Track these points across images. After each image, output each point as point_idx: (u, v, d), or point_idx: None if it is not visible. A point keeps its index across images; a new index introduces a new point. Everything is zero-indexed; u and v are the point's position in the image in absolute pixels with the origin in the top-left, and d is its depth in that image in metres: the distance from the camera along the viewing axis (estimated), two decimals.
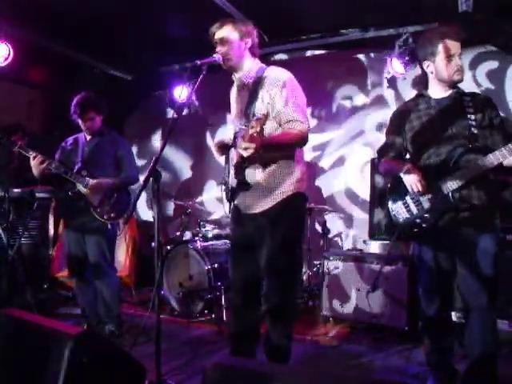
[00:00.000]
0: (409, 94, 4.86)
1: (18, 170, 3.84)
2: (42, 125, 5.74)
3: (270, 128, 2.35)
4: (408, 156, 2.59)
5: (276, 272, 2.39)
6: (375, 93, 5.05)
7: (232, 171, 2.48)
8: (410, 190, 2.40)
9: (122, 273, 5.04)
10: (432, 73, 2.42)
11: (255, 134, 2.00)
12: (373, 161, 4.12)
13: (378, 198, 3.96)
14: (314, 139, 5.18)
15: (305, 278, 4.61)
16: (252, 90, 2.46)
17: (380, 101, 5.02)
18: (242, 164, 2.36)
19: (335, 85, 5.23)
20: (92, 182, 3.36)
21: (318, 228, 4.89)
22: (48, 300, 4.56)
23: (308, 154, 5.27)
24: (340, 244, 5.06)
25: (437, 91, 2.45)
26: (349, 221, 5.06)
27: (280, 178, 2.41)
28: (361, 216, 4.93)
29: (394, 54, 4.44)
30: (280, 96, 2.35)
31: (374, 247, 4.09)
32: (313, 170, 5.31)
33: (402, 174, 2.42)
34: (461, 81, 2.40)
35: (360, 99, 5.11)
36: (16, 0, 3.76)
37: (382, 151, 2.66)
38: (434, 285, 2.46)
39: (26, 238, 4.23)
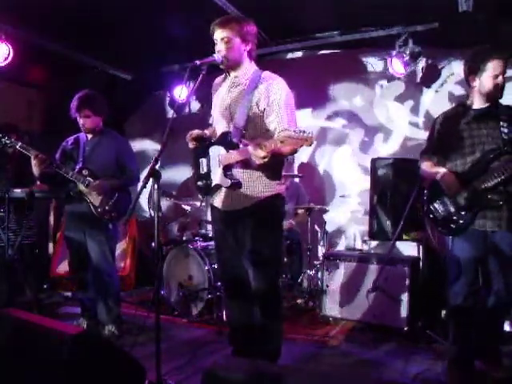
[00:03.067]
0: (409, 93, 4.87)
1: (18, 169, 3.84)
2: (42, 125, 5.74)
3: (259, 130, 2.49)
4: (447, 158, 2.79)
5: (262, 263, 2.54)
6: (375, 93, 5.05)
7: (219, 169, 2.52)
8: (446, 191, 2.68)
9: (122, 273, 5.04)
10: (475, 86, 2.66)
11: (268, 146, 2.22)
12: (373, 161, 4.12)
13: (378, 198, 3.96)
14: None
15: (305, 278, 4.60)
16: (247, 92, 2.51)
17: (380, 101, 5.02)
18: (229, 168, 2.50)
19: (335, 85, 5.23)
20: (93, 182, 3.36)
21: (318, 228, 4.89)
22: (48, 300, 4.56)
23: (308, 154, 5.28)
24: (340, 244, 5.06)
25: (477, 102, 2.70)
26: (349, 221, 5.06)
27: (261, 182, 2.53)
28: (361, 216, 4.93)
29: (394, 54, 4.44)
30: (275, 107, 2.45)
31: (374, 247, 4.09)
32: (313, 169, 5.31)
33: (438, 178, 2.71)
34: (500, 97, 2.65)
35: (360, 99, 5.11)
36: (16, 0, 3.76)
37: (423, 154, 2.92)
38: (468, 272, 2.68)
39: (25, 238, 4.22)
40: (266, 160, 2.29)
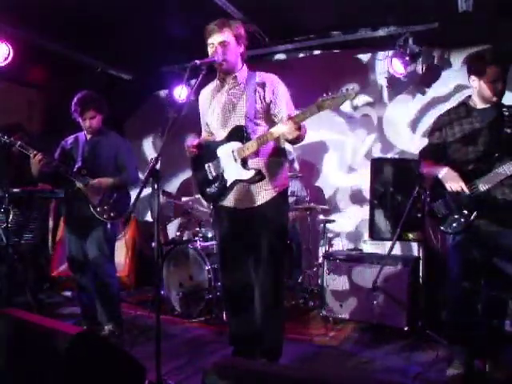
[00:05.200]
0: (408, 93, 4.88)
1: (18, 169, 3.84)
2: (42, 125, 5.74)
3: (268, 123, 2.57)
4: (448, 158, 2.78)
5: (272, 261, 2.55)
6: (375, 93, 5.05)
7: (236, 165, 2.51)
8: (448, 190, 2.66)
9: (122, 273, 5.04)
10: (476, 88, 2.67)
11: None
12: (373, 161, 4.12)
13: (379, 198, 3.96)
14: (313, 139, 5.18)
15: (305, 278, 4.61)
16: (250, 88, 2.55)
17: (380, 101, 5.02)
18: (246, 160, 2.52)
19: (335, 85, 5.21)
20: (92, 181, 3.36)
21: (318, 228, 4.89)
22: (48, 300, 4.57)
23: (308, 153, 5.28)
24: (340, 244, 5.06)
25: (478, 102, 2.71)
26: (349, 221, 5.06)
27: (274, 174, 2.57)
28: (361, 216, 4.93)
29: (394, 54, 4.44)
30: (280, 97, 2.54)
31: (374, 247, 4.09)
32: (313, 169, 5.31)
33: (440, 177, 2.69)
34: (499, 101, 2.65)
35: (360, 99, 5.11)
36: (16, 0, 3.76)
37: (424, 153, 2.94)
38: (469, 271, 2.68)
39: (26, 238, 4.22)
40: (300, 133, 2.35)
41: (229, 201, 2.62)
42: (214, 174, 2.61)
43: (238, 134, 2.51)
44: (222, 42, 2.48)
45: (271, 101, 2.54)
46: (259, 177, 2.49)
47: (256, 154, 2.49)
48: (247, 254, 2.62)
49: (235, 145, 2.50)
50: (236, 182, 2.54)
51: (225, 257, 2.74)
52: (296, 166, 4.98)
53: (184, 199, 5.00)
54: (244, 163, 2.49)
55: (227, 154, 2.54)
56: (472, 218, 2.60)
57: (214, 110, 2.68)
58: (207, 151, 2.64)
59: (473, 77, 2.67)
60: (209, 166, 2.63)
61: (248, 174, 2.49)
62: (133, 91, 5.97)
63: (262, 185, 2.54)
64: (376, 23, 4.39)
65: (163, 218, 5.17)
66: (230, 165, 2.53)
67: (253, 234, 2.58)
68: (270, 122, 2.57)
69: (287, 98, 2.59)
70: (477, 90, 2.67)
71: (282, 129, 2.34)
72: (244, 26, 2.62)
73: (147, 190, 2.74)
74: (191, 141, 2.67)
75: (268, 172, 2.55)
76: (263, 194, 2.55)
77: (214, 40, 2.50)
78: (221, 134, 2.63)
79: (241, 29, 2.56)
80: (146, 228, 5.46)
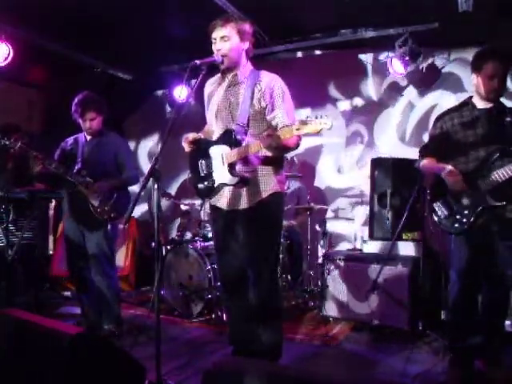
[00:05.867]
0: (409, 93, 4.87)
1: (18, 170, 3.83)
2: (42, 125, 5.75)
3: (261, 128, 2.53)
4: (449, 157, 2.77)
5: (262, 263, 2.56)
6: (375, 93, 5.05)
7: (223, 168, 2.51)
8: (451, 189, 2.65)
9: (122, 273, 5.04)
10: (474, 84, 2.68)
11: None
12: (373, 160, 4.11)
13: (378, 198, 3.96)
14: (313, 139, 5.18)
15: (305, 278, 4.60)
16: (247, 90, 2.52)
17: (380, 101, 5.02)
18: (234, 164, 2.50)
19: (335, 85, 5.23)
20: (92, 183, 3.36)
21: (318, 228, 4.88)
22: (48, 300, 4.57)
23: (308, 154, 5.28)
24: (340, 244, 5.06)
25: (480, 102, 2.71)
26: (349, 221, 5.06)
27: (267, 177, 2.54)
28: (361, 216, 4.93)
29: (394, 54, 4.44)
30: (278, 103, 2.49)
31: (374, 247, 4.09)
32: (313, 169, 5.31)
33: (443, 175, 2.67)
34: (493, 100, 2.65)
35: (360, 99, 5.11)
36: (16, 0, 3.76)
37: (424, 151, 2.91)
38: (469, 271, 2.68)
39: (26, 239, 4.22)
40: (278, 151, 2.37)
41: (218, 202, 2.64)
42: (205, 171, 2.63)
43: (227, 138, 2.50)
44: (224, 36, 2.48)
45: (266, 106, 2.50)
46: (244, 184, 2.50)
47: (246, 159, 2.48)
48: (244, 254, 2.62)
49: (224, 148, 2.51)
50: (222, 185, 2.56)
51: (221, 257, 2.75)
52: (296, 162, 4.95)
53: (183, 200, 4.99)
54: (231, 168, 2.49)
55: (217, 156, 2.55)
56: (473, 218, 2.60)
57: (213, 104, 2.68)
58: (202, 147, 2.65)
59: (473, 74, 2.67)
60: (201, 163, 2.64)
61: (232, 180, 2.50)
62: (132, 91, 5.97)
63: (253, 189, 2.53)
64: (376, 23, 4.39)
65: (163, 218, 5.17)
66: (219, 167, 2.55)
67: (243, 236, 2.58)
68: (267, 126, 2.54)
69: (287, 104, 2.51)
70: (475, 88, 2.68)
71: (262, 144, 2.35)
72: (251, 25, 2.60)
73: (147, 191, 2.73)
74: (186, 136, 2.67)
75: (260, 176, 2.53)
76: (253, 197, 2.53)
77: (217, 34, 2.50)
78: (217, 132, 2.64)
79: (246, 26, 2.55)
80: (146, 228, 5.46)
